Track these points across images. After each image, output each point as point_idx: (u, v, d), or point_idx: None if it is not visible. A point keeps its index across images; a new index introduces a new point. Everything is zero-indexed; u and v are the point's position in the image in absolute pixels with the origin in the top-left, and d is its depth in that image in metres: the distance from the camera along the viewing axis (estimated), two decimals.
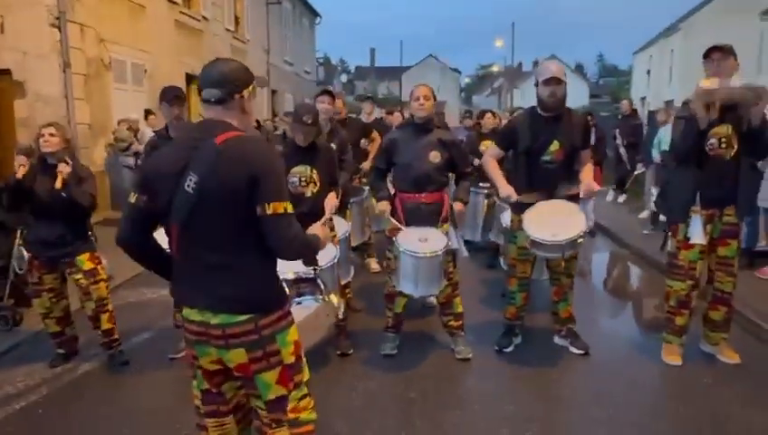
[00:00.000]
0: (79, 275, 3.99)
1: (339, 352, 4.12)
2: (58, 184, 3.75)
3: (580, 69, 51.19)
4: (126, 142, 9.52)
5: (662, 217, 7.83)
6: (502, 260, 5.20)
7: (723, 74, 3.56)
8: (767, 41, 22.58)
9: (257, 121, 6.60)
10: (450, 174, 4.14)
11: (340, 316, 2.75)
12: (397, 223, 3.89)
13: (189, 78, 13.16)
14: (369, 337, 4.37)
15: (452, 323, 4.07)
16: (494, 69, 58.21)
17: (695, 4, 30.09)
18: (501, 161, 4.08)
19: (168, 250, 2.08)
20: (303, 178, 3.95)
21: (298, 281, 2.37)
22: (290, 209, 1.94)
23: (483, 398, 3.60)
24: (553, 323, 4.30)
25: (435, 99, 3.96)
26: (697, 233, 3.66)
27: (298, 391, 2.08)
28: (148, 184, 2.00)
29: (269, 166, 1.93)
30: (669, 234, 3.90)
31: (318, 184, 3.97)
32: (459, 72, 56.73)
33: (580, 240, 3.63)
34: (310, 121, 3.94)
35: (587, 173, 3.88)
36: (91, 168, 8.77)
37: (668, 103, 23.97)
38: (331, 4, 76.37)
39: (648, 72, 31.64)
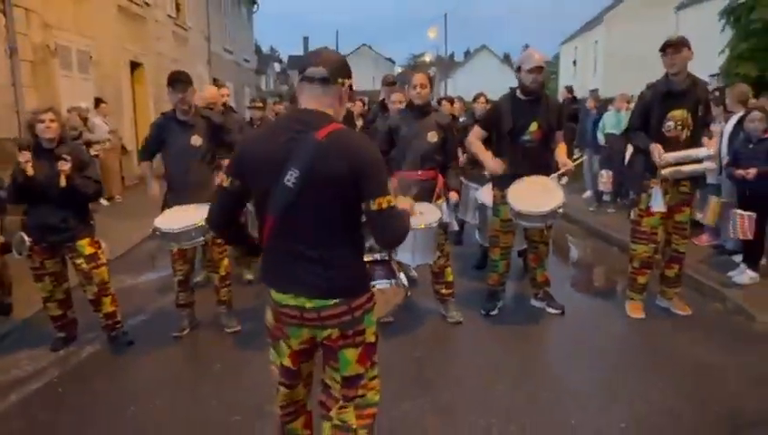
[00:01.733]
0: (80, 260, 4.02)
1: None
2: (63, 182, 3.77)
3: (508, 59, 52.78)
4: (77, 131, 9.27)
5: (606, 197, 8.60)
6: (477, 234, 5.59)
7: (677, 65, 4.06)
8: (682, 32, 24.24)
9: (231, 108, 6.64)
10: None
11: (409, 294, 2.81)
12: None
13: (133, 65, 12.83)
14: None
15: (443, 290, 4.44)
16: (427, 59, 59.03)
17: None
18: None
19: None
20: None
21: (372, 263, 2.44)
22: (393, 202, 1.97)
23: (480, 354, 3.99)
24: (531, 286, 4.76)
25: (431, 86, 4.28)
26: (658, 202, 4.19)
27: (371, 371, 2.17)
28: (244, 169, 2.04)
29: (372, 161, 1.95)
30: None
31: None
32: (393, 62, 57.19)
33: (560, 210, 4.08)
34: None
35: (562, 152, 4.33)
36: None
37: (593, 92, 25.46)
38: None
39: (575, 62, 33.25)
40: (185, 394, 3.57)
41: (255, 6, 24.79)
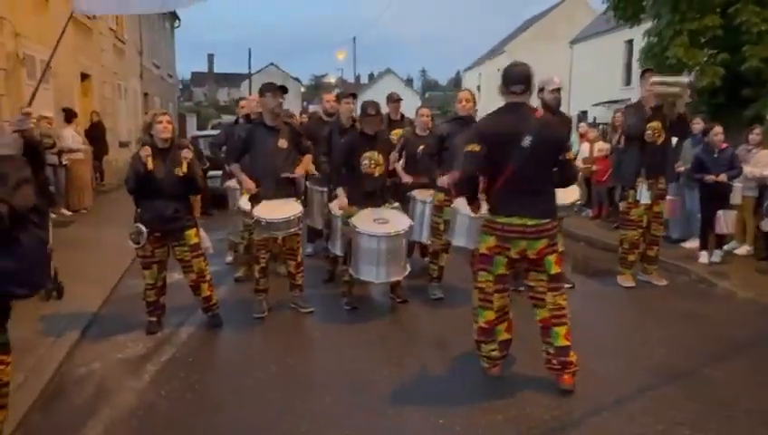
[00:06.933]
0: (185, 249, 4.45)
1: (399, 300, 5.19)
2: (184, 168, 4.26)
3: (410, 83, 55.52)
4: (51, 139, 9.17)
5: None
6: None
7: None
8: (576, 64, 27.44)
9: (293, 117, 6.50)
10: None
11: None
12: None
13: (83, 77, 12.63)
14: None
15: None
16: (331, 80, 60.22)
17: (512, 29, 35.04)
18: None
19: None
20: (372, 161, 4.91)
21: None
22: (571, 156, 3.56)
23: None
24: None
25: (474, 102, 5.23)
26: (644, 196, 5.42)
27: (563, 272, 3.55)
28: (488, 140, 3.32)
29: (566, 132, 3.39)
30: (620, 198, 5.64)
31: (382, 165, 4.97)
32: (300, 82, 57.76)
33: (578, 203, 5.18)
34: (375, 113, 4.92)
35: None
36: None
37: None
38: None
39: (479, 87, 35.88)
40: (315, 354, 4.24)
41: (177, 22, 24.59)
